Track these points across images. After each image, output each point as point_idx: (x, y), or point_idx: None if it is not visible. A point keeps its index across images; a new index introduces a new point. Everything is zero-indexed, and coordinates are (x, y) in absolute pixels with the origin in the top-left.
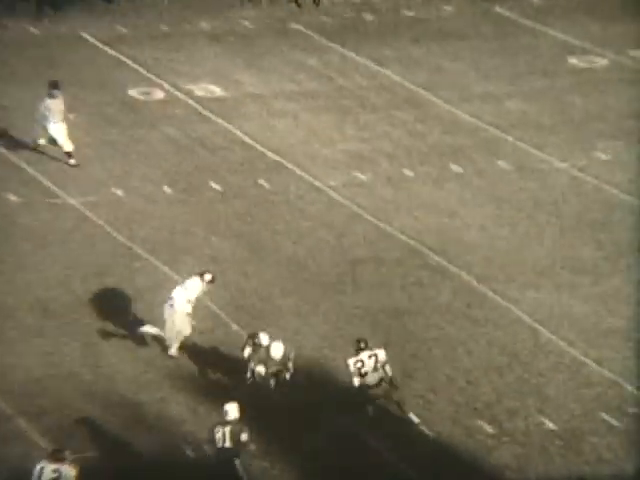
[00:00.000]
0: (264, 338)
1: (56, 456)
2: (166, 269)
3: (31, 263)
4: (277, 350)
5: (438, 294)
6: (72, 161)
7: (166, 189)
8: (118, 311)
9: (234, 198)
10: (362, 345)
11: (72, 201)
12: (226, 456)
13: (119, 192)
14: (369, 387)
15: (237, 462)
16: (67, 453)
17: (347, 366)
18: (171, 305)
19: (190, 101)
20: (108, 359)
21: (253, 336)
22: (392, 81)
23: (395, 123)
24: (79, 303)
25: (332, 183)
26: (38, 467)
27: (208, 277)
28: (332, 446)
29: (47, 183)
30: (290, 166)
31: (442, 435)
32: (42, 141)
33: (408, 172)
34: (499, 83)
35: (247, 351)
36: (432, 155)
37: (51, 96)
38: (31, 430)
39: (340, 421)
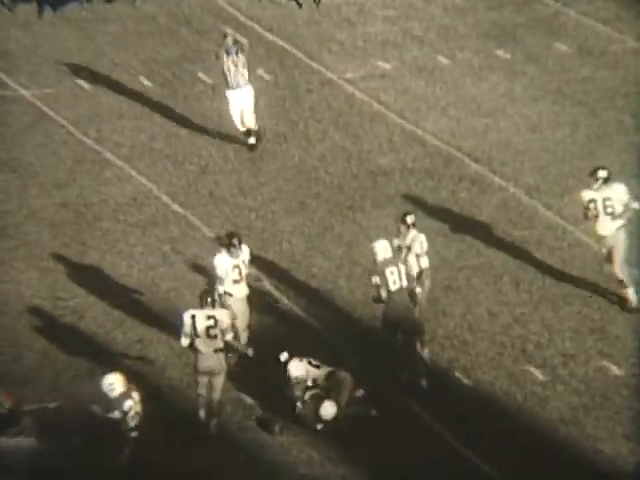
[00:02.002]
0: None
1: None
2: (143, 180)
3: None
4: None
5: (479, 211)
6: (251, 140)
7: (144, 80)
8: (82, 231)
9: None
10: None
11: (26, 93)
12: (404, 296)
13: (84, 83)
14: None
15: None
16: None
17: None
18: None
19: None
20: (71, 290)
21: None
22: None
23: None
24: (35, 220)
25: (348, 75)
26: (188, 315)
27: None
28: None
29: None
30: (296, 53)
31: (482, 383)
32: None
33: (443, 60)
34: None
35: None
36: (473, 37)
37: (227, 52)
38: None
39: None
